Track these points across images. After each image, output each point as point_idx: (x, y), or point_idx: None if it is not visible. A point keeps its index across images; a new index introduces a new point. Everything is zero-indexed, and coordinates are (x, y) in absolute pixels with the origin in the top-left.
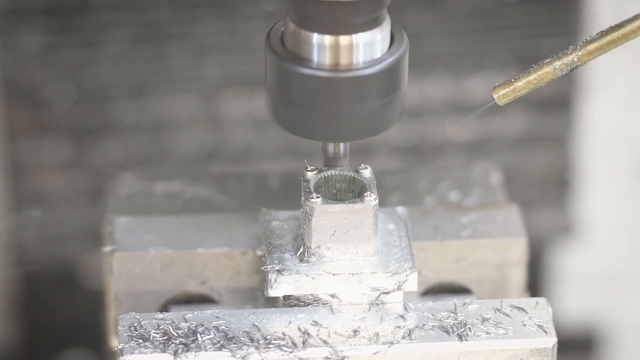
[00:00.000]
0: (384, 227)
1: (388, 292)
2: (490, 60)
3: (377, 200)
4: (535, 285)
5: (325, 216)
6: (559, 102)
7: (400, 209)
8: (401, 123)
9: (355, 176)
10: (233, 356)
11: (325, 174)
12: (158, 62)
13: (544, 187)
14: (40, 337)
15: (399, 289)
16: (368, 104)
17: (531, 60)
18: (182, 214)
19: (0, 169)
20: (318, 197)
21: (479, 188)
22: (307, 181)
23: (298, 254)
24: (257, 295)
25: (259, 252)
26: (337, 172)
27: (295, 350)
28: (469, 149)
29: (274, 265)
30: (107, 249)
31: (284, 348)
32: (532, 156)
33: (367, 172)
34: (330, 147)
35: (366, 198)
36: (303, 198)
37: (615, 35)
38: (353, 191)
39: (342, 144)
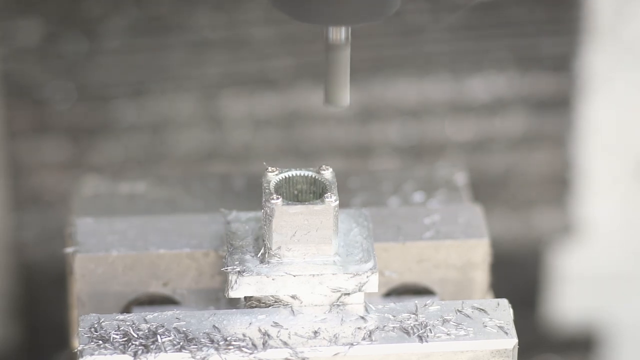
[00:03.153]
0: (345, 228)
1: (349, 294)
2: (490, 60)
3: (337, 202)
4: (535, 285)
5: (286, 217)
6: (559, 102)
7: (362, 210)
8: (401, 123)
9: (316, 177)
10: (193, 357)
11: (286, 175)
12: (158, 61)
13: (544, 187)
14: (40, 337)
15: (359, 290)
16: None
17: (531, 59)
18: (145, 215)
19: (0, 169)
20: (278, 198)
21: (443, 189)
22: (268, 182)
23: (259, 255)
24: (219, 297)
25: (221, 253)
26: (298, 173)
27: (256, 351)
28: (469, 149)
29: (235, 267)
30: (69, 250)
31: (244, 349)
32: (532, 156)
33: (328, 173)
34: (331, 32)
35: (326, 199)
36: (264, 199)
37: None
38: (314, 192)
39: (343, 29)
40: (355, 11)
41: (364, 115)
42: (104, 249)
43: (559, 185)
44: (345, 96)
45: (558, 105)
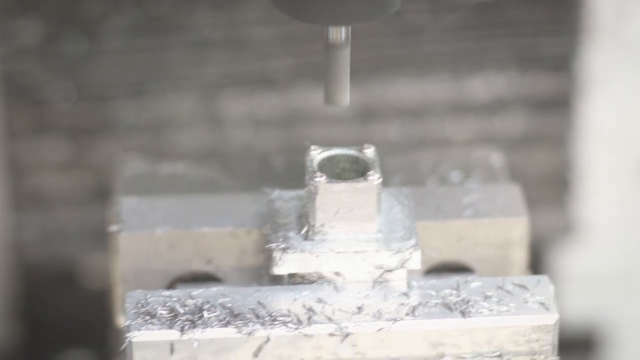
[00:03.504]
0: (386, 207)
1: (391, 270)
2: (490, 60)
3: (380, 180)
4: None
5: (330, 195)
6: (559, 102)
7: (402, 189)
8: (401, 123)
9: (359, 156)
10: (239, 332)
11: (329, 154)
12: (158, 61)
13: (544, 187)
14: (40, 337)
15: (402, 266)
16: None
17: (531, 59)
18: (187, 194)
19: (0, 169)
20: (322, 176)
21: (480, 169)
22: (311, 160)
23: (302, 233)
24: (261, 274)
25: (264, 231)
26: (340, 152)
27: (301, 326)
28: None
29: (279, 244)
30: (114, 228)
31: (289, 325)
32: (532, 156)
33: (370, 152)
34: (331, 32)
35: (370, 177)
36: (307, 177)
37: None
38: (356, 170)
39: (343, 29)
40: (355, 11)
41: (364, 115)
42: (148, 227)
43: (559, 185)
44: (345, 96)
45: (558, 105)
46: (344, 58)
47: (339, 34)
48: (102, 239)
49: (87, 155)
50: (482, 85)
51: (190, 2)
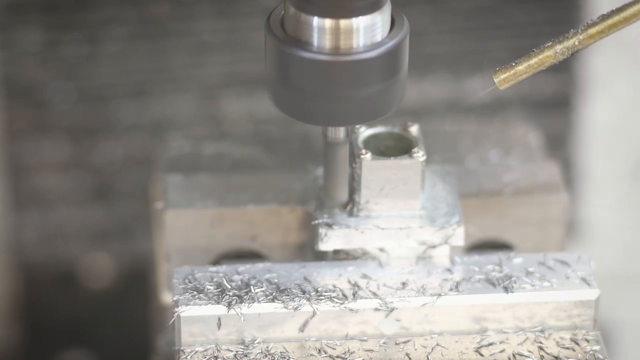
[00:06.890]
0: (429, 184)
1: (435, 247)
2: (490, 60)
3: (425, 157)
4: None
5: (375, 172)
6: (559, 102)
7: (445, 167)
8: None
9: (403, 134)
10: (285, 307)
11: (374, 132)
12: (158, 62)
13: None
14: (40, 337)
15: (445, 242)
16: (368, 88)
17: None
18: (231, 172)
19: (0, 169)
20: (367, 153)
21: (519, 147)
22: (356, 138)
23: (347, 209)
24: (305, 251)
25: (309, 208)
26: (385, 130)
27: (346, 301)
28: None
29: (325, 220)
30: (159, 205)
31: (335, 300)
32: None
33: (414, 130)
34: (331, 131)
35: (414, 154)
36: (352, 154)
37: (616, 18)
38: (400, 149)
39: (342, 128)
40: (353, 113)
41: None
42: (192, 204)
43: None
44: (343, 191)
45: (558, 105)
46: (343, 155)
47: (338, 132)
48: (102, 239)
49: (87, 155)
50: (482, 85)
51: (191, 10)
